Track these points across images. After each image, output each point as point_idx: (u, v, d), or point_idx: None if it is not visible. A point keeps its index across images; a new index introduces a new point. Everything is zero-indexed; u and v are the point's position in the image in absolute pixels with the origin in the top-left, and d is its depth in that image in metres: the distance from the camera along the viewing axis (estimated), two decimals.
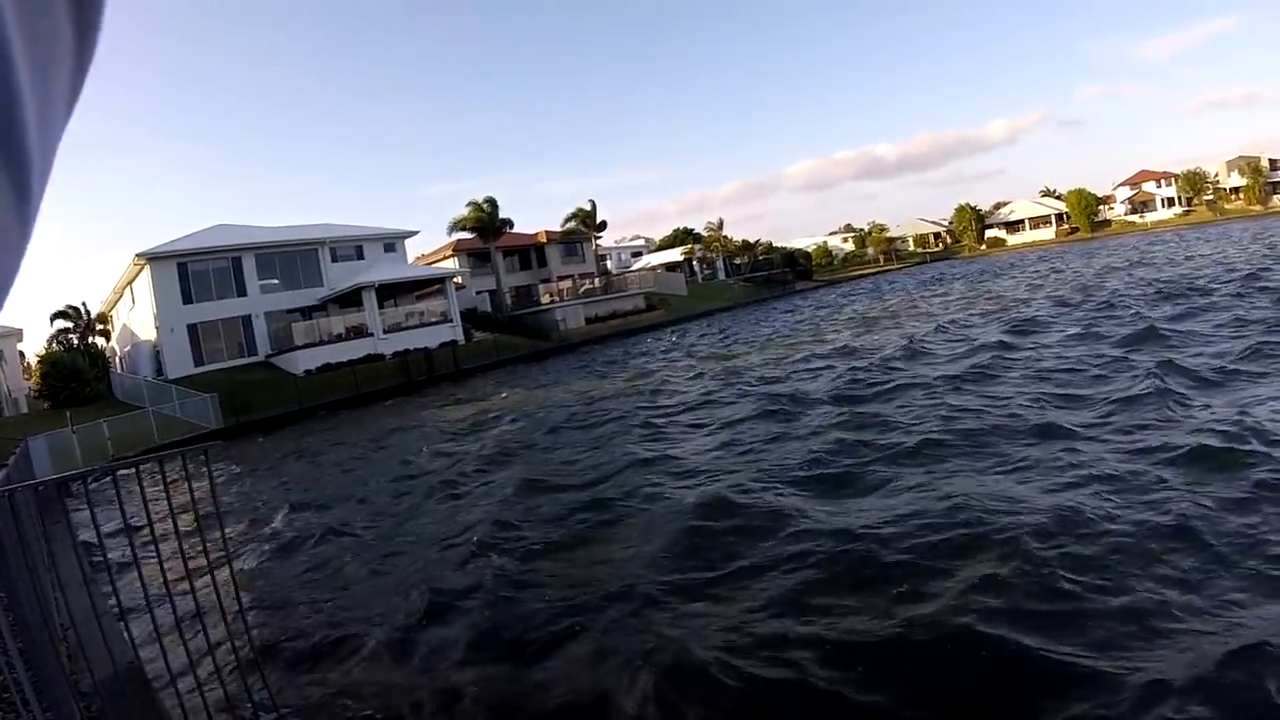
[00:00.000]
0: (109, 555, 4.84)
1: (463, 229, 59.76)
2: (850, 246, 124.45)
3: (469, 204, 58.95)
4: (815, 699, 5.60)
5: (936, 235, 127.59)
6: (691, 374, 26.50)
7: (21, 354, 59.04)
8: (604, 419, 19.51)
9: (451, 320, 50.65)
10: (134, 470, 4.54)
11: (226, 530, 5.20)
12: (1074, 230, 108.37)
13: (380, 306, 48.53)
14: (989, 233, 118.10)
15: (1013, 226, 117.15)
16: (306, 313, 48.79)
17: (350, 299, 48.94)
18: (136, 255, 45.84)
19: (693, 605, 7.44)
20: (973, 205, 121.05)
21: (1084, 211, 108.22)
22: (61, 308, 54.30)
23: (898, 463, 11.05)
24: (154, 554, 4.82)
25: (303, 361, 43.87)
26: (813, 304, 57.87)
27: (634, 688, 6.08)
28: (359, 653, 7.48)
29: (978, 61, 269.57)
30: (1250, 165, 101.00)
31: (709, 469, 12.77)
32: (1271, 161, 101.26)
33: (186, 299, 45.85)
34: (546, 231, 70.84)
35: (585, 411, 21.60)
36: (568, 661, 6.76)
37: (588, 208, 68.79)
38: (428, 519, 12.84)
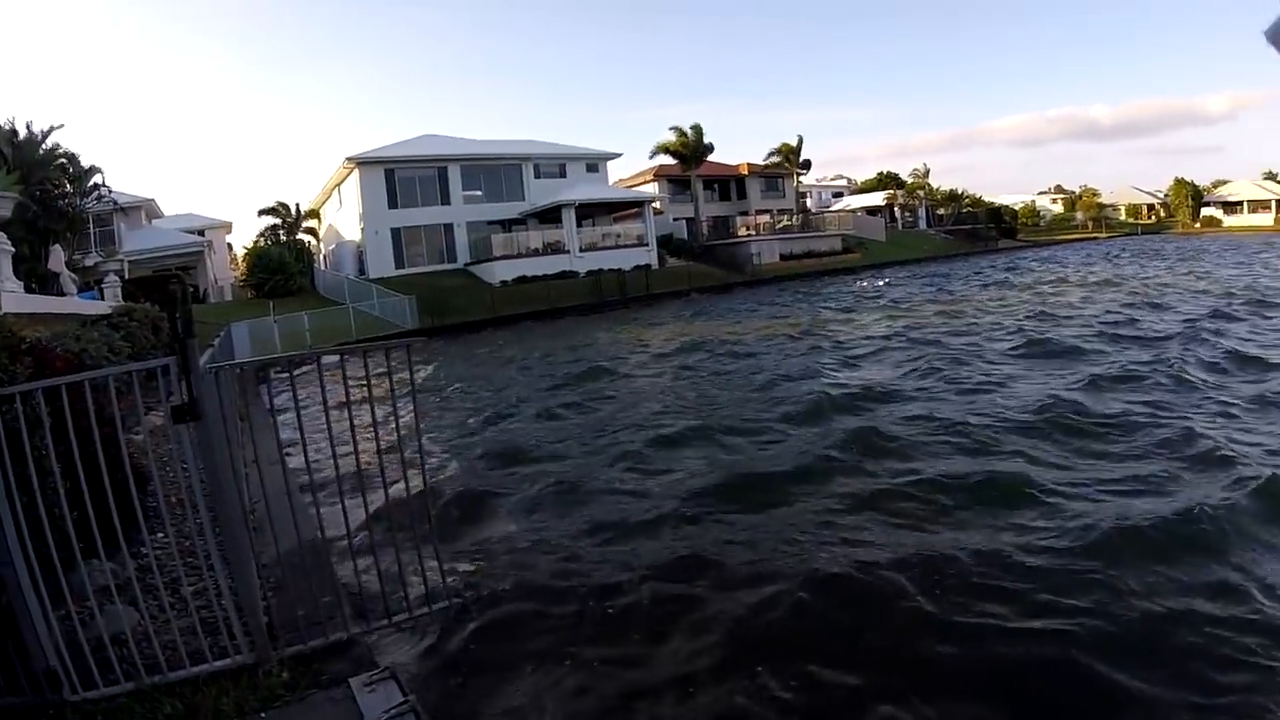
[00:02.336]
0: (304, 437, 4.77)
1: (665, 153, 58.38)
2: (1059, 208, 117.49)
3: (673, 128, 57.45)
4: None
5: (1150, 207, 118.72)
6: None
7: (230, 245, 61.71)
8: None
9: (647, 244, 50.00)
10: (339, 359, 5.20)
11: (418, 424, 5.12)
12: None
13: (578, 225, 48.30)
14: (1204, 211, 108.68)
15: (1230, 207, 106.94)
16: (506, 225, 48.80)
17: (550, 215, 48.74)
18: (346, 159, 47.08)
19: None
20: (1190, 180, 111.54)
21: None
22: (270, 204, 55.87)
23: None
24: (348, 439, 4.78)
25: (500, 272, 44.04)
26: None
27: None
28: (535, 546, 7.67)
29: (1202, 25, 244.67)
30: None
31: None
32: None
33: (392, 203, 46.96)
34: (749, 164, 68.82)
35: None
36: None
37: (793, 143, 66.15)
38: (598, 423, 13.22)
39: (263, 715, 3.89)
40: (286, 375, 4.51)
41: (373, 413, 4.80)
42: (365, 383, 4.92)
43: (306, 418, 4.71)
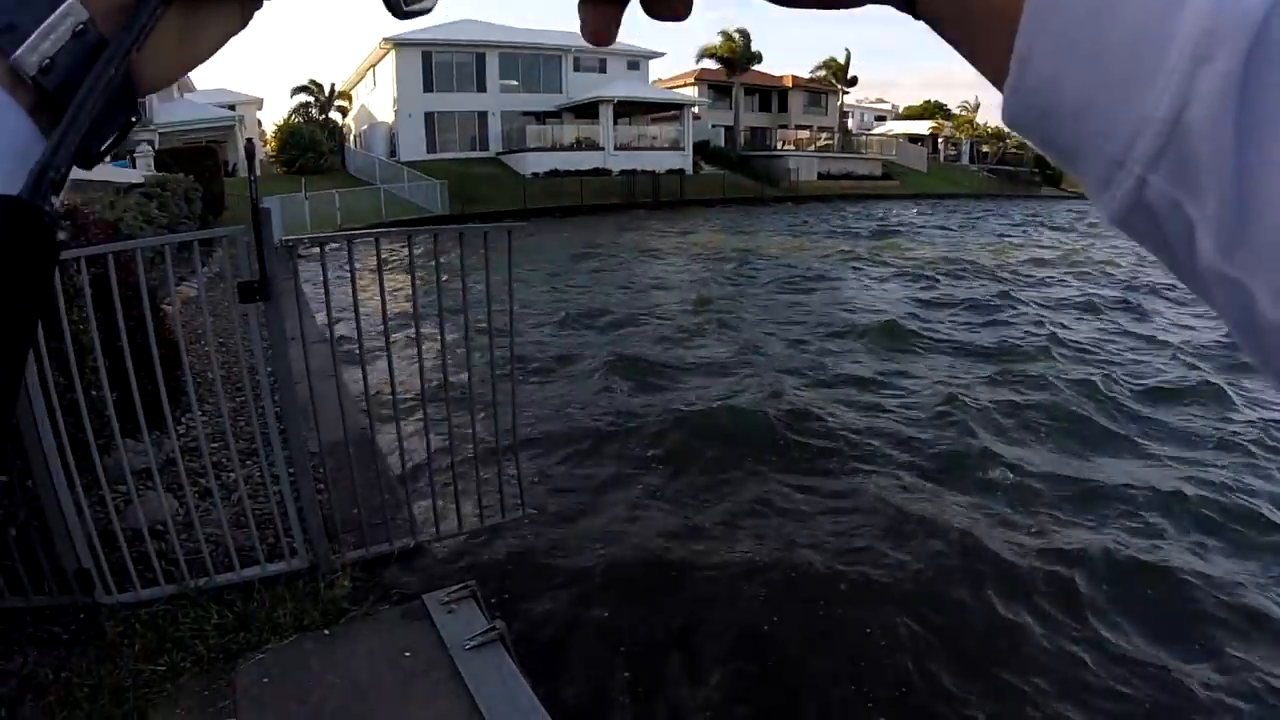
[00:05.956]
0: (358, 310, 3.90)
1: (710, 57, 56.54)
2: None
3: (721, 32, 55.63)
4: None
5: None
6: None
7: (259, 121, 60.65)
8: None
9: (683, 149, 49.07)
10: (373, 240, 3.93)
11: (511, 317, 4.21)
12: None
13: (615, 123, 47.12)
14: None
15: None
16: (541, 117, 47.98)
17: (586, 111, 47.67)
18: (384, 39, 46.03)
19: None
20: None
21: None
22: (303, 82, 54.72)
23: None
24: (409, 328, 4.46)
25: (532, 164, 43.24)
26: None
27: None
28: (580, 447, 7.39)
29: None
30: None
31: None
32: None
33: (427, 87, 45.93)
34: (793, 76, 66.44)
35: None
36: None
37: (840, 58, 63.85)
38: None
39: (326, 632, 3.31)
40: (344, 251, 3.62)
41: (464, 295, 3.88)
42: (435, 269, 4.14)
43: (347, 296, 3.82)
